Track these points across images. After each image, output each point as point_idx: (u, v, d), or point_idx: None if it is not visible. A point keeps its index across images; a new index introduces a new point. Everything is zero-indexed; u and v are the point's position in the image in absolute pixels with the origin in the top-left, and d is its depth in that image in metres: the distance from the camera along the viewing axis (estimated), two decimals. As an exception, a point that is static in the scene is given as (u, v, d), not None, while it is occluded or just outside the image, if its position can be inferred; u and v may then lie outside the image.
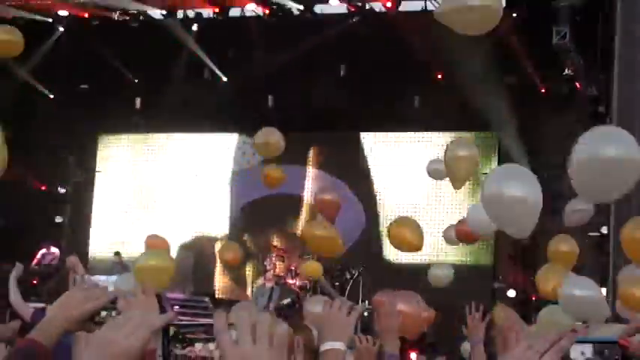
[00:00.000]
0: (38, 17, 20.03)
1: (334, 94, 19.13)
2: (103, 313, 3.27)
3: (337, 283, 16.08)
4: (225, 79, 20.29)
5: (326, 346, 3.32)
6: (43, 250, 18.30)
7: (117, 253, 17.76)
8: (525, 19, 17.33)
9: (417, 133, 19.82)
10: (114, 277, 13.42)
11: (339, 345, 3.33)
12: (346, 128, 19.87)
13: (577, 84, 18.03)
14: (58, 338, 3.16)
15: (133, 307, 3.29)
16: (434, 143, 18.67)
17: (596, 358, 6.84)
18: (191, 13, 20.05)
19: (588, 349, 7.06)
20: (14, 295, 8.21)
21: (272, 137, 10.41)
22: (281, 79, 18.96)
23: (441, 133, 18.67)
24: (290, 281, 15.85)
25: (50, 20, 20.43)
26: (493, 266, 18.82)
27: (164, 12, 19.99)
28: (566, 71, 18.00)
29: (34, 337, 3.08)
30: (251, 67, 19.34)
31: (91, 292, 3.32)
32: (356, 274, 16.46)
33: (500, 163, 18.21)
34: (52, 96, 20.97)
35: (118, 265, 16.86)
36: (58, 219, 20.83)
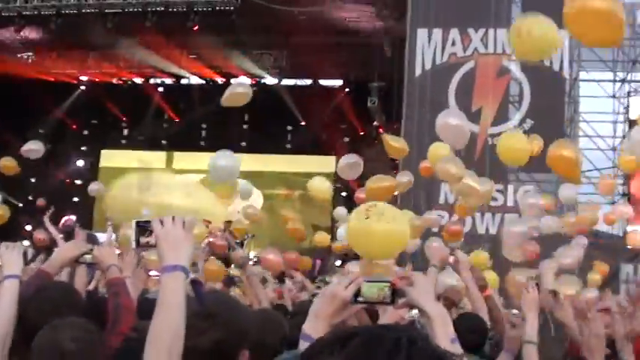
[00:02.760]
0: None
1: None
2: (87, 257, 4.58)
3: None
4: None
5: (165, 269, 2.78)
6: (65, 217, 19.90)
7: None
8: (353, 92, 25.94)
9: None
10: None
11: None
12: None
13: (381, 129, 23.63)
14: (59, 269, 4.69)
15: (102, 254, 4.55)
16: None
17: None
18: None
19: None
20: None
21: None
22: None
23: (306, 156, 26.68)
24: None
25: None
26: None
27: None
28: (375, 122, 24.89)
29: (44, 268, 4.56)
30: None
31: (78, 243, 4.98)
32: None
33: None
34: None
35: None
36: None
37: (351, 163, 12.28)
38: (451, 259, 6.19)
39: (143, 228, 3.04)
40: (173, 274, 2.79)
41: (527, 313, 4.54)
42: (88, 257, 4.57)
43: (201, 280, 6.67)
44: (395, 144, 12.45)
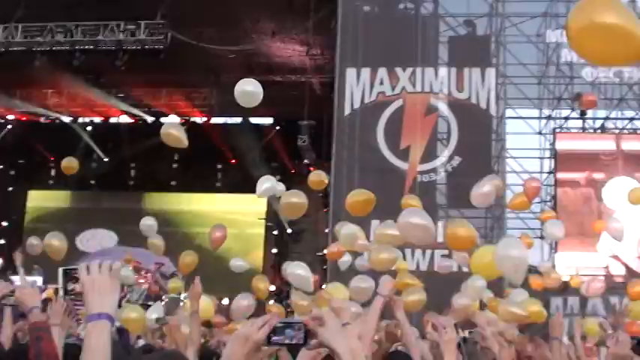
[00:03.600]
0: None
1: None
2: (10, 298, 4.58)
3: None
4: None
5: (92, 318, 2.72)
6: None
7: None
8: (284, 131, 26.15)
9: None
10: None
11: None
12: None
13: (312, 168, 22.15)
14: None
15: (24, 295, 4.45)
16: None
17: None
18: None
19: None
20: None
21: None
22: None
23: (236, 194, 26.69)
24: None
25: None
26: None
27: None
28: (306, 160, 25.15)
29: None
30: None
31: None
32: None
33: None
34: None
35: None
36: None
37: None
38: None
39: (70, 275, 3.02)
40: (98, 322, 2.75)
41: (445, 354, 4.45)
42: (11, 299, 4.44)
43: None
44: (313, 178, 12.25)
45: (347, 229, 10.22)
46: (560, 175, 19.35)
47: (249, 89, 9.23)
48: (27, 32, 21.64)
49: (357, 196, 10.38)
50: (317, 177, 12.16)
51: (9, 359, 3.77)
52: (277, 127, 27.22)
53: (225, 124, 27.89)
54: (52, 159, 29.24)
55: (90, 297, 2.79)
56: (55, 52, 21.58)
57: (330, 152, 19.21)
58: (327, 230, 13.52)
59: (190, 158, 26.70)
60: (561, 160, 19.38)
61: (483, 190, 9.42)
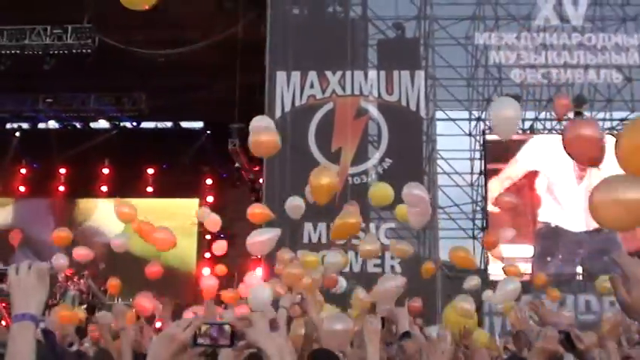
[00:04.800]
0: None
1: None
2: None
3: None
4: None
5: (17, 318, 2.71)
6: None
7: None
8: (214, 134, 26.05)
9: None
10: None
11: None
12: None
13: (243, 172, 24.90)
14: None
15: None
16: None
17: None
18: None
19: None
20: None
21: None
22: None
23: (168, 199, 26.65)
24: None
25: None
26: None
27: None
28: (236, 164, 24.47)
29: None
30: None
31: None
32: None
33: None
34: None
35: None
36: None
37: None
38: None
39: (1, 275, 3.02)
40: (22, 324, 2.73)
41: (368, 344, 4.59)
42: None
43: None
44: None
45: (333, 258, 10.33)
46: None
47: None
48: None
49: (346, 217, 10.28)
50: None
51: None
52: (208, 132, 27.01)
53: (155, 129, 27.67)
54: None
55: (15, 297, 2.78)
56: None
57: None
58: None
59: (121, 163, 26.67)
60: (490, 160, 19.77)
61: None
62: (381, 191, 11.14)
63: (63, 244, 12.59)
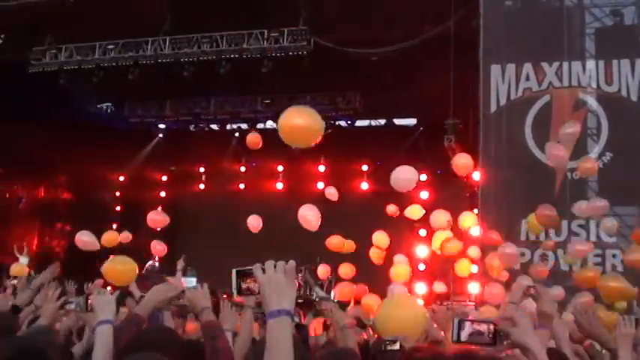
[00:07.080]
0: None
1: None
2: (176, 300, 4.74)
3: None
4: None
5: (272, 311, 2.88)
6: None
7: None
8: (429, 131, 26.17)
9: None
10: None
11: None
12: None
13: None
14: (151, 312, 4.61)
15: (195, 296, 4.60)
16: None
17: None
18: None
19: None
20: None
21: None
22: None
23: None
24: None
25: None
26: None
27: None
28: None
29: (136, 311, 4.56)
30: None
31: (171, 286, 4.87)
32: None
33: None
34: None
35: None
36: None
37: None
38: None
39: (244, 275, 3.26)
40: (278, 319, 2.89)
41: (620, 348, 4.49)
42: (181, 300, 4.61)
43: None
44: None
45: None
46: None
47: None
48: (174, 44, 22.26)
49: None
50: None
51: (186, 353, 3.92)
52: (421, 128, 27.02)
53: (369, 126, 27.93)
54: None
55: (267, 295, 2.93)
56: (201, 62, 22.11)
57: (475, 150, 18.67)
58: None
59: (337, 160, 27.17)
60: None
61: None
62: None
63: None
